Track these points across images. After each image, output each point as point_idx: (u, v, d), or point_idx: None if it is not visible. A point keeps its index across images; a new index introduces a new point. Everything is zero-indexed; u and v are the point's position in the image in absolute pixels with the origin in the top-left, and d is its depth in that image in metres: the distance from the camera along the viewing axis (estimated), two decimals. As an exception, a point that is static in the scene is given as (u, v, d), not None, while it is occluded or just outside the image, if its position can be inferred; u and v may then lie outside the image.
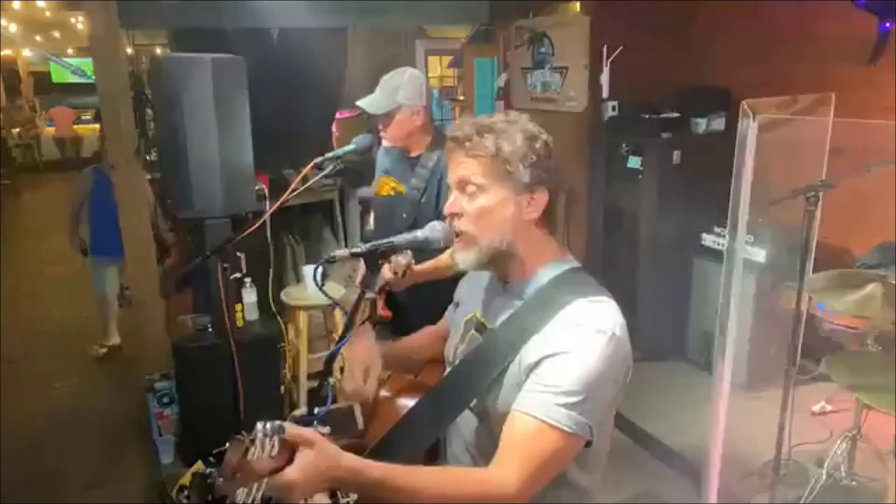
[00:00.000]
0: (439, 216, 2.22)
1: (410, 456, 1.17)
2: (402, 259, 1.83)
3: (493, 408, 1.18)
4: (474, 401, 1.21)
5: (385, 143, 2.46)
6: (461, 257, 1.23)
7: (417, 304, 2.33)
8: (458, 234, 1.23)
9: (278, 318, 3.25)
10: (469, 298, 1.40)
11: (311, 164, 2.42)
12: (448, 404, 1.23)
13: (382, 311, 2.56)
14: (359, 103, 2.44)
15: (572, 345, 1.09)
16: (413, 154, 2.49)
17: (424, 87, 2.45)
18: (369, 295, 1.40)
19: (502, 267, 1.25)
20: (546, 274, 1.21)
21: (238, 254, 3.06)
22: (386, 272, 1.88)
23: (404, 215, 2.40)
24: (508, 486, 1.03)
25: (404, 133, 2.42)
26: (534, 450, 1.05)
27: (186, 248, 4.46)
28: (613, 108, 4.14)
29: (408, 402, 1.37)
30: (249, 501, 0.88)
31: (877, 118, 3.09)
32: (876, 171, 2.44)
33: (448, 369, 1.35)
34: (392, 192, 2.55)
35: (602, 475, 1.24)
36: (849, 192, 2.57)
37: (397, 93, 2.37)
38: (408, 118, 2.40)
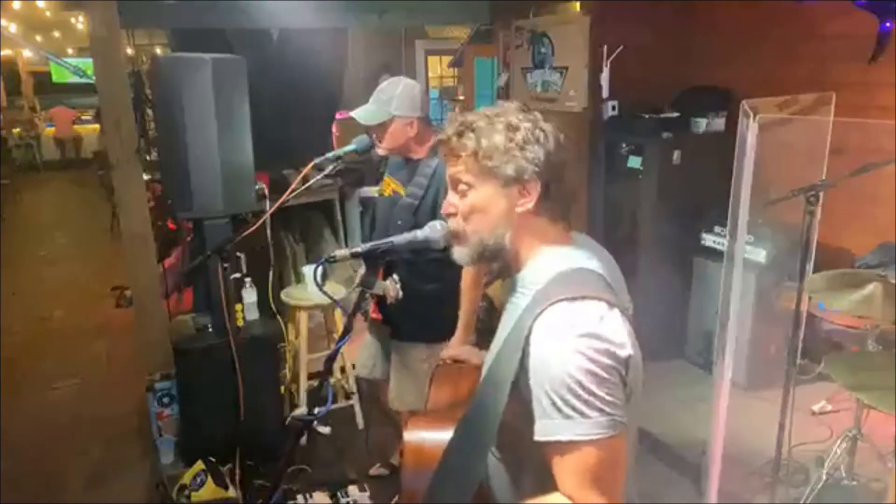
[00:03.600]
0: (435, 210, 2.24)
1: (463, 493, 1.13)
2: (392, 291, 2.14)
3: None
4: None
5: (380, 151, 2.46)
6: (457, 254, 1.25)
7: (408, 306, 2.36)
8: (453, 233, 1.24)
9: (278, 318, 3.25)
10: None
11: (311, 164, 2.42)
12: (478, 433, 1.17)
13: (374, 313, 2.57)
14: (352, 114, 2.45)
15: (555, 355, 1.05)
16: (413, 158, 2.49)
17: (419, 98, 2.43)
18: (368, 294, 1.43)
19: (504, 262, 1.24)
20: (543, 269, 1.16)
21: (238, 254, 3.06)
22: (390, 291, 2.13)
23: (399, 222, 2.39)
24: None
25: (398, 143, 2.42)
26: (579, 468, 1.05)
27: (187, 247, 4.46)
28: (613, 108, 4.15)
29: (440, 437, 1.28)
30: None
31: (877, 118, 3.09)
32: (876, 171, 2.44)
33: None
34: (392, 193, 2.55)
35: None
36: (849, 192, 2.58)
37: (390, 104, 2.37)
38: (401, 129, 2.40)
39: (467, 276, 2.30)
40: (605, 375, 1.03)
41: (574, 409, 1.03)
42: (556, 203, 1.19)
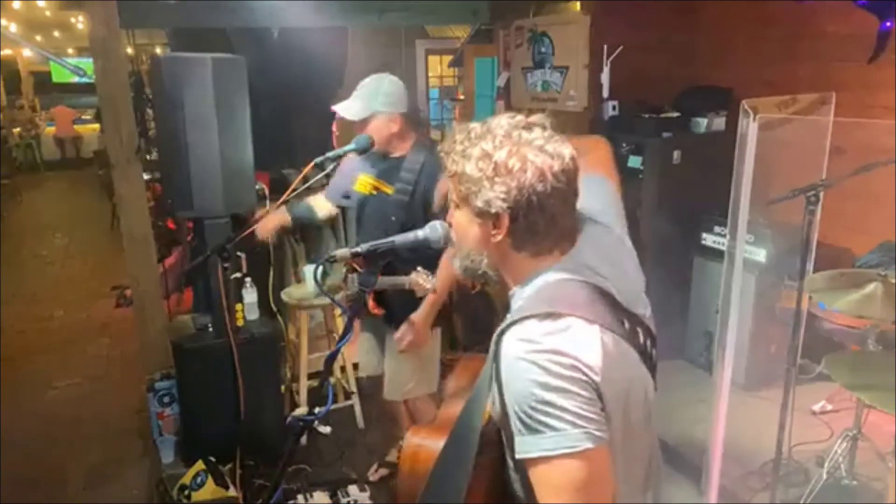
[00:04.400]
0: (428, 218, 2.24)
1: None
2: (427, 284, 1.95)
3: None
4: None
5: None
6: (454, 262, 1.24)
7: (408, 300, 2.38)
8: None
9: (278, 317, 3.25)
10: None
11: (311, 163, 2.42)
12: (460, 446, 1.15)
13: (374, 309, 2.57)
14: (335, 108, 2.46)
15: (518, 371, 1.01)
16: (395, 155, 2.50)
17: (402, 94, 2.45)
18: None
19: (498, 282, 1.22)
20: (527, 289, 1.12)
21: (238, 254, 3.06)
22: (424, 284, 2.00)
23: (393, 218, 2.41)
24: None
25: (380, 139, 2.44)
26: (555, 483, 1.00)
27: (187, 247, 4.46)
28: (614, 108, 4.14)
29: (435, 446, 1.29)
30: None
31: (877, 117, 3.09)
32: (876, 171, 2.44)
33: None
34: (374, 192, 2.55)
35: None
36: (849, 192, 2.58)
37: (373, 99, 2.40)
38: (384, 124, 2.41)
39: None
40: (572, 389, 0.98)
41: (542, 423, 0.98)
42: (540, 238, 1.09)
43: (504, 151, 1.05)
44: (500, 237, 1.09)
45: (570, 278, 1.09)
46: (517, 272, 1.14)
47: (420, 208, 2.39)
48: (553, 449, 0.98)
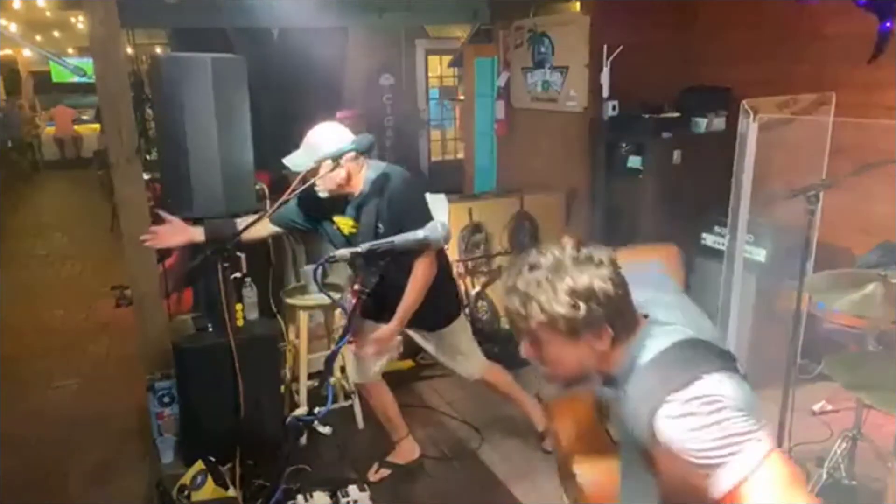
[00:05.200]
0: (393, 229, 2.25)
1: None
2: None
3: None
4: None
5: (321, 194, 2.45)
6: (550, 386, 1.35)
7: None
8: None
9: (278, 317, 3.25)
10: None
11: (311, 164, 2.42)
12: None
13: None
14: (284, 160, 2.47)
15: (673, 435, 1.14)
16: (357, 192, 2.52)
17: (346, 138, 2.45)
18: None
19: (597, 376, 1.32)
20: (629, 367, 1.25)
21: (238, 253, 3.06)
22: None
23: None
24: None
25: (334, 185, 2.45)
26: (767, 495, 1.09)
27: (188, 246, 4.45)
28: (613, 108, 4.15)
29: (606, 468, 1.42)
30: None
31: (877, 117, 3.09)
32: (876, 170, 2.44)
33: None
34: (353, 231, 2.57)
35: None
36: (849, 191, 2.58)
37: (319, 150, 2.41)
38: (333, 172, 2.42)
39: (429, 273, 2.47)
40: (727, 416, 1.10)
41: (724, 455, 1.09)
42: (627, 324, 1.24)
43: (583, 279, 1.18)
44: (605, 346, 1.23)
45: (670, 345, 1.22)
46: (614, 361, 1.27)
47: (401, 219, 2.38)
48: (743, 469, 1.09)
